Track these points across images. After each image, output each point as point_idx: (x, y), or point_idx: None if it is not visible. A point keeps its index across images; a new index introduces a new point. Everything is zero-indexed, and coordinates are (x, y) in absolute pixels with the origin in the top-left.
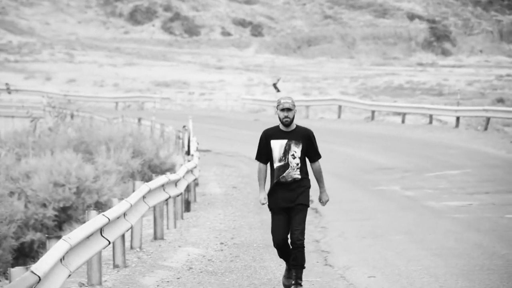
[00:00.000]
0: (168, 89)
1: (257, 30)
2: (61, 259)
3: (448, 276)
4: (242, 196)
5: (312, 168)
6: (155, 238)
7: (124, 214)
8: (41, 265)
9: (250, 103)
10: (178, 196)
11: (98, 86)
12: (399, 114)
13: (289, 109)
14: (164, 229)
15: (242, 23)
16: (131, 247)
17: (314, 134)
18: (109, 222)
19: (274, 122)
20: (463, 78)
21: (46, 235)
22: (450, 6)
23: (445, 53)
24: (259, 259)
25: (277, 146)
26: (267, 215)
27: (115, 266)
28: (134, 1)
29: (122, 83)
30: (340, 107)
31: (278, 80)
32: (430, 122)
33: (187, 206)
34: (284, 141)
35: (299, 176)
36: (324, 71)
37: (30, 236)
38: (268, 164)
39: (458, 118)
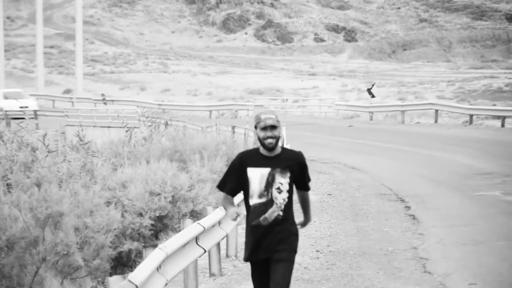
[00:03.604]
0: (262, 97)
1: (350, 36)
2: (157, 268)
3: None
4: (337, 203)
5: (298, 195)
6: None
7: (219, 223)
8: (138, 274)
9: (344, 109)
10: None
11: (192, 95)
12: (498, 117)
13: (273, 127)
14: None
15: (335, 29)
16: (227, 255)
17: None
18: (204, 231)
19: (369, 127)
20: None
21: (143, 244)
22: None
23: None
24: (356, 266)
25: (257, 176)
26: (363, 222)
27: (211, 274)
28: (226, 9)
29: (215, 92)
30: (437, 111)
31: (373, 85)
32: None
33: None
34: (266, 170)
35: (281, 214)
36: (420, 75)
37: (127, 245)
38: (235, 200)
39: None
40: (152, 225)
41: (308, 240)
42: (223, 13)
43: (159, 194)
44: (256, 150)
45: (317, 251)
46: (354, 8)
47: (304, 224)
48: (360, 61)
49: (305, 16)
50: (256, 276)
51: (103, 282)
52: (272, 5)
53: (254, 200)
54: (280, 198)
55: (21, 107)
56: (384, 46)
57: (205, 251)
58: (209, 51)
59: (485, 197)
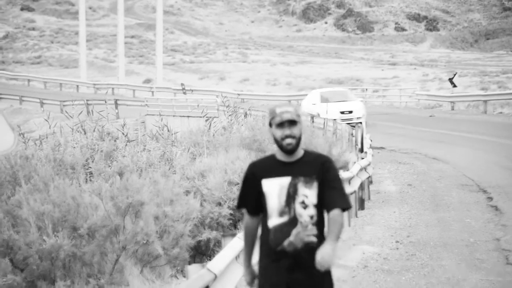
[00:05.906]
0: (341, 87)
1: (432, 25)
2: (236, 257)
3: None
4: (417, 194)
5: (329, 217)
6: None
7: None
8: (217, 263)
9: (425, 99)
10: (351, 194)
11: (271, 85)
12: None
13: (292, 122)
14: None
15: (416, 18)
16: None
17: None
18: None
19: (451, 118)
20: None
21: (221, 234)
22: None
23: None
24: (436, 257)
25: (275, 189)
26: (444, 213)
27: None
28: None
29: (294, 82)
30: None
31: (455, 75)
32: None
33: (361, 204)
34: (287, 180)
35: (315, 240)
36: (503, 64)
37: (206, 234)
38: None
39: None
40: (230, 214)
41: (387, 230)
42: (303, 2)
43: (237, 183)
44: (270, 156)
45: (397, 241)
46: None
47: (322, 248)
48: (441, 51)
49: (386, 5)
50: None
51: (182, 271)
52: None
53: (273, 221)
54: (306, 215)
55: (342, 112)
56: (467, 35)
57: None
58: (288, 41)
59: None
